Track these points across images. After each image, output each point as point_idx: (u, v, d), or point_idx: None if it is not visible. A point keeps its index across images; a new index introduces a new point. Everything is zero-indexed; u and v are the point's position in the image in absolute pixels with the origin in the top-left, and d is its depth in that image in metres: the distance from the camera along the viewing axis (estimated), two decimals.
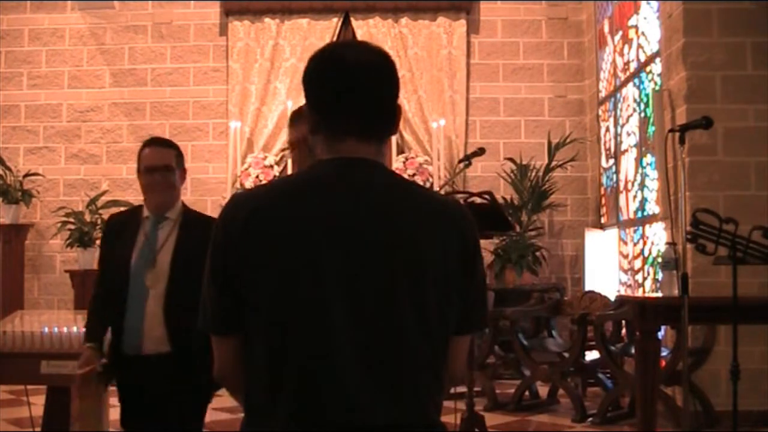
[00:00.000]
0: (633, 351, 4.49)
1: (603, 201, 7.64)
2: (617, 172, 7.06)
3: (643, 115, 6.31)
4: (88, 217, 7.47)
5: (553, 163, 7.43)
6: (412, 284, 1.42)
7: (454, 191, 6.01)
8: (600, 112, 7.64)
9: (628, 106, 6.75)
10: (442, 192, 5.36)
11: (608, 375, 5.57)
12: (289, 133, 2.47)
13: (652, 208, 6.01)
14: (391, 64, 1.53)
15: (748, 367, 3.72)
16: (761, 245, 3.40)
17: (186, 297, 2.28)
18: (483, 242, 1.57)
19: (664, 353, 4.69)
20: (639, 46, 6.42)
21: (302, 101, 1.54)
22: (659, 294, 4.21)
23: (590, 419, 5.26)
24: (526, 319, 6.25)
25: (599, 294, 6.00)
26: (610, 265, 7.09)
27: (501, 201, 6.72)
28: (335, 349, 1.38)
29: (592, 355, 5.56)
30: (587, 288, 6.83)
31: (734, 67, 5.14)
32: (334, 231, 1.42)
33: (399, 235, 1.43)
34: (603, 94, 7.54)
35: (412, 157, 7.56)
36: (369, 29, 7.84)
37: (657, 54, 5.90)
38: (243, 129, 7.73)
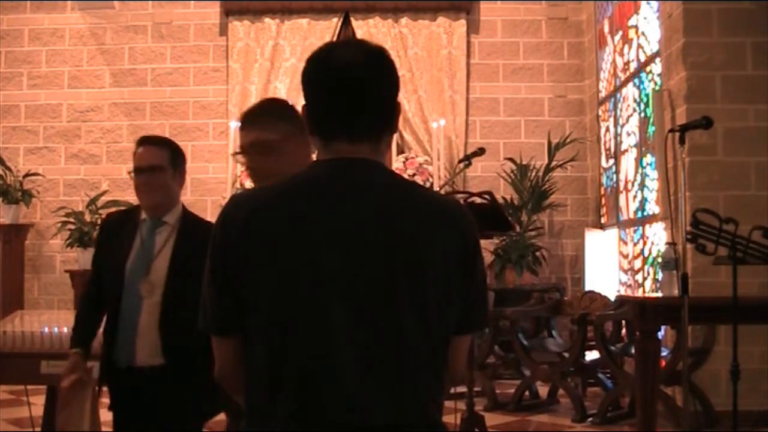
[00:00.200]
0: (633, 351, 4.49)
1: (603, 201, 7.64)
2: (617, 172, 7.06)
3: (643, 115, 6.31)
4: (88, 217, 7.47)
5: (553, 163, 7.43)
6: (412, 284, 1.42)
7: (454, 191, 6.01)
8: (600, 112, 7.64)
9: (628, 106, 6.75)
10: (442, 192, 5.36)
11: (608, 375, 5.57)
12: (240, 137, 2.33)
13: (652, 208, 6.01)
14: (385, 62, 1.52)
15: (748, 367, 3.72)
16: (761, 245, 3.40)
17: (182, 307, 2.18)
18: (483, 242, 1.57)
19: (664, 353, 4.69)
20: (639, 46, 6.42)
21: (302, 101, 1.54)
22: (659, 294, 4.21)
23: (590, 419, 5.26)
24: (526, 319, 6.25)
25: (599, 294, 6.00)
26: (610, 265, 7.09)
27: (501, 201, 6.72)
28: (335, 349, 1.38)
29: (592, 355, 5.56)
30: (587, 288, 6.83)
31: (734, 67, 5.14)
32: (334, 231, 1.42)
33: (399, 235, 1.43)
34: (603, 94, 7.54)
35: (412, 157, 7.56)
36: (369, 29, 7.84)
37: (657, 54, 5.90)
38: None
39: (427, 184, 7.06)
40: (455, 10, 7.91)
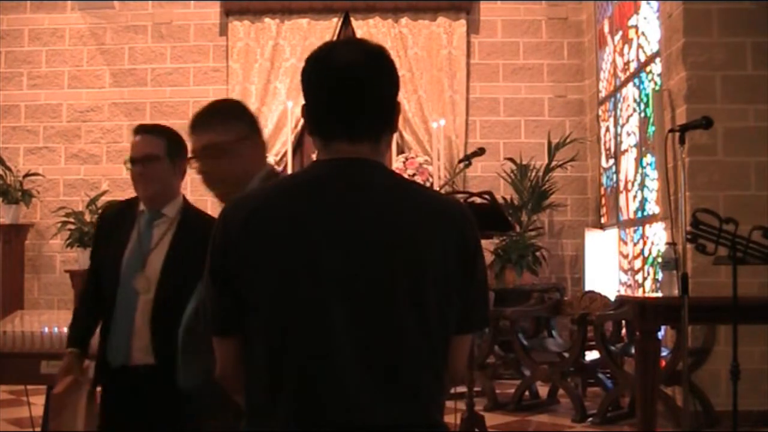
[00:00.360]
0: (633, 351, 4.49)
1: (603, 201, 7.64)
2: (617, 172, 7.06)
3: (643, 115, 6.31)
4: (88, 217, 7.47)
5: (553, 163, 7.43)
6: (412, 284, 1.42)
7: (454, 191, 6.02)
8: (600, 112, 7.64)
9: (628, 106, 6.75)
10: (442, 192, 5.36)
11: (608, 375, 5.57)
12: (191, 141, 2.20)
13: (652, 208, 6.01)
14: (385, 62, 1.51)
15: (748, 367, 3.72)
16: (761, 245, 3.40)
17: (177, 305, 2.10)
18: (483, 242, 1.57)
19: (664, 353, 4.69)
20: (639, 46, 6.42)
21: (302, 101, 1.54)
22: (659, 294, 4.21)
23: (590, 419, 5.26)
24: (526, 319, 6.25)
25: (599, 294, 6.00)
26: (610, 265, 7.09)
27: (501, 201, 6.72)
28: (335, 350, 1.38)
29: (592, 355, 5.56)
30: (587, 288, 6.83)
31: (734, 67, 5.14)
32: (334, 231, 1.42)
33: (399, 235, 1.43)
34: (603, 94, 7.54)
35: (412, 157, 7.56)
36: (369, 29, 7.84)
37: (657, 54, 5.90)
38: None
39: (427, 184, 7.06)
40: (455, 10, 7.91)
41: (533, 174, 7.45)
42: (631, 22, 6.65)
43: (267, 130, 7.80)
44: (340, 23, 7.89)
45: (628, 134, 6.75)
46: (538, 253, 7.37)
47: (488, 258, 7.13)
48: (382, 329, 1.40)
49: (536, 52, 8.00)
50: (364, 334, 1.39)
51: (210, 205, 7.80)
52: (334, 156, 1.49)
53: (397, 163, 7.45)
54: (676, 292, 3.78)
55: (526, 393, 5.83)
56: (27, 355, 3.33)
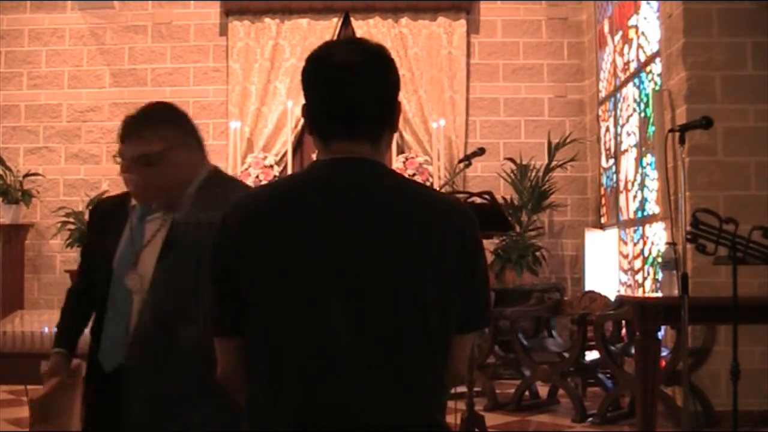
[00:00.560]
0: (633, 351, 4.49)
1: (603, 201, 7.64)
2: (617, 172, 7.06)
3: (643, 115, 6.31)
4: (88, 217, 7.46)
5: (553, 163, 7.43)
6: (412, 284, 1.42)
7: (454, 191, 6.01)
8: (600, 112, 7.64)
9: (628, 106, 6.75)
10: (443, 192, 5.35)
11: (608, 375, 5.57)
12: (122, 152, 2.09)
13: (652, 208, 6.01)
14: (385, 61, 1.51)
15: (748, 367, 3.71)
16: (761, 245, 3.40)
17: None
18: (483, 242, 1.56)
19: (664, 353, 4.69)
20: (639, 46, 6.42)
21: (303, 101, 1.54)
22: (659, 294, 4.21)
23: (590, 419, 5.26)
24: (526, 319, 6.25)
25: (599, 294, 6.00)
26: (610, 265, 7.09)
27: (501, 201, 6.72)
28: (335, 349, 1.38)
29: (592, 355, 5.56)
30: (587, 288, 6.83)
31: (734, 67, 5.14)
32: (334, 230, 1.42)
33: (399, 234, 1.43)
34: (603, 94, 7.54)
35: (412, 157, 7.56)
36: (369, 29, 7.84)
37: (657, 54, 5.90)
38: (243, 129, 7.74)
39: (428, 184, 7.07)
40: (455, 10, 7.91)
41: (533, 174, 7.45)
42: (631, 22, 6.65)
43: (267, 130, 7.82)
44: (340, 23, 7.89)
45: (628, 134, 6.75)
46: (538, 253, 7.37)
47: (488, 258, 7.12)
48: (382, 329, 1.40)
49: (536, 52, 8.00)
50: (364, 334, 1.39)
51: None
52: (334, 156, 1.49)
53: (397, 163, 7.45)
54: (676, 292, 3.78)
55: (526, 393, 5.83)
56: (27, 355, 3.33)
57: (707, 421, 4.79)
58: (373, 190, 1.47)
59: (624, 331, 5.89)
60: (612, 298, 5.78)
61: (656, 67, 5.96)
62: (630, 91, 6.69)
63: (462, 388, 3.90)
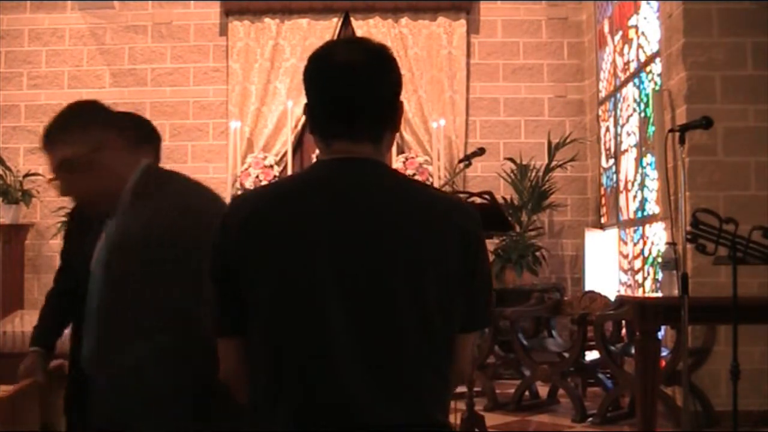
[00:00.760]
0: (633, 351, 4.49)
1: (603, 201, 7.64)
2: (617, 172, 7.06)
3: (643, 115, 6.31)
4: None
5: (553, 163, 7.43)
6: (413, 283, 1.42)
7: (454, 191, 6.01)
8: (600, 112, 7.64)
9: (628, 106, 6.75)
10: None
11: (608, 375, 5.57)
12: (47, 159, 1.95)
13: (652, 208, 6.01)
14: (387, 61, 1.51)
15: (748, 367, 3.71)
16: (761, 245, 3.40)
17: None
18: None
19: (664, 353, 4.69)
20: (639, 46, 6.42)
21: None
22: (659, 294, 4.21)
23: (590, 419, 5.26)
24: (526, 319, 6.25)
25: (599, 294, 6.00)
26: (610, 265, 7.09)
27: (501, 201, 6.72)
28: (335, 350, 1.38)
29: (592, 355, 5.56)
30: (587, 288, 6.83)
31: (734, 67, 5.14)
32: (334, 230, 1.42)
33: (399, 234, 1.43)
34: (603, 94, 7.54)
35: (412, 157, 7.56)
36: (369, 29, 7.84)
37: (657, 54, 5.90)
38: (243, 129, 7.74)
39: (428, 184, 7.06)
40: (455, 10, 7.91)
41: (533, 174, 7.45)
42: (631, 22, 6.65)
43: (267, 130, 7.82)
44: (340, 23, 7.89)
45: (628, 134, 6.75)
46: (538, 253, 7.37)
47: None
48: (382, 329, 1.40)
49: (536, 52, 8.00)
50: (365, 334, 1.39)
51: None
52: (336, 155, 1.49)
53: (397, 163, 7.45)
54: (676, 292, 3.77)
55: (526, 393, 5.83)
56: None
57: (707, 421, 4.79)
58: (373, 190, 1.47)
59: (624, 331, 5.89)
60: (612, 298, 5.78)
61: (656, 67, 5.96)
62: (630, 91, 6.69)
63: (462, 388, 3.90)
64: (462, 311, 1.48)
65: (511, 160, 7.58)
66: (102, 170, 1.94)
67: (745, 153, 5.10)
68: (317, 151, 1.57)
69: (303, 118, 7.57)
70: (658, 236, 5.90)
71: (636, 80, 6.51)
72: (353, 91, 1.47)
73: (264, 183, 7.18)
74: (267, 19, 7.93)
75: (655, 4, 6.01)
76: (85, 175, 1.94)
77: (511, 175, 7.57)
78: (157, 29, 8.12)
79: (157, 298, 1.84)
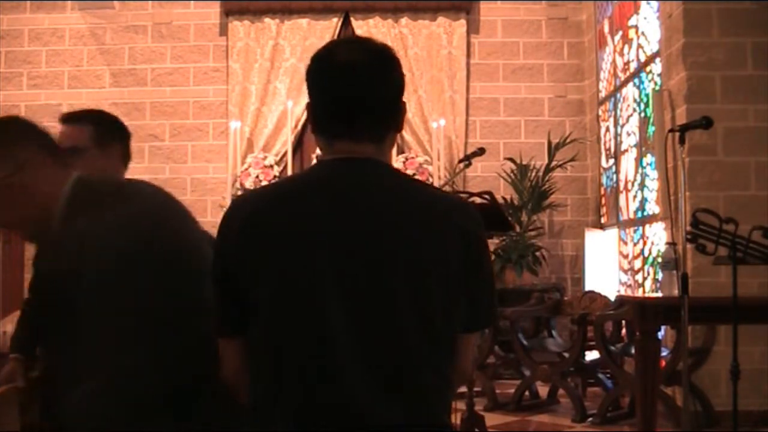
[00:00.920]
0: (633, 351, 4.49)
1: (603, 201, 7.64)
2: (617, 172, 7.06)
3: (643, 115, 6.31)
4: None
5: (553, 163, 7.43)
6: (414, 283, 1.42)
7: (454, 191, 6.01)
8: (600, 112, 7.64)
9: (628, 106, 6.75)
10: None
11: (608, 375, 5.57)
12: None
13: (652, 208, 6.01)
14: (389, 61, 1.51)
15: (748, 367, 3.71)
16: (761, 245, 3.40)
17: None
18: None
19: (664, 353, 4.69)
20: (639, 46, 6.42)
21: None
22: (659, 294, 4.21)
23: (590, 419, 5.26)
24: (526, 319, 6.25)
25: (599, 294, 6.00)
26: (610, 265, 7.09)
27: (501, 201, 6.72)
28: (335, 350, 1.38)
29: (592, 355, 5.56)
30: (587, 288, 6.83)
31: (734, 67, 5.14)
32: (335, 231, 1.42)
33: (400, 234, 1.43)
34: (603, 94, 7.54)
35: (412, 157, 7.56)
36: (369, 29, 7.83)
37: (657, 54, 5.90)
38: (243, 129, 7.74)
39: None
40: (455, 10, 7.91)
41: (533, 174, 7.45)
42: (631, 22, 6.65)
43: (267, 130, 7.82)
44: (340, 23, 7.89)
45: (628, 134, 6.75)
46: (538, 253, 7.37)
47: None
48: (382, 329, 1.40)
49: (536, 52, 8.00)
50: (365, 334, 1.39)
51: (209, 204, 7.77)
52: (337, 155, 1.49)
53: (397, 163, 7.45)
54: (676, 292, 3.77)
55: (526, 393, 5.83)
56: None
57: (707, 421, 4.79)
58: (374, 190, 1.47)
59: (624, 331, 5.89)
60: (612, 298, 5.78)
61: (656, 67, 5.96)
62: (630, 91, 6.68)
63: (462, 388, 3.90)
64: (464, 311, 1.47)
65: (511, 160, 7.58)
66: (22, 192, 1.74)
67: (745, 153, 5.10)
68: (317, 151, 1.57)
69: (303, 118, 7.58)
70: (658, 236, 5.90)
71: (636, 80, 6.51)
72: (354, 91, 1.47)
73: (264, 183, 7.18)
74: (267, 19, 7.93)
75: (655, 4, 6.01)
76: (5, 201, 1.76)
77: (511, 175, 7.57)
78: (157, 29, 8.12)
79: (125, 309, 1.71)
